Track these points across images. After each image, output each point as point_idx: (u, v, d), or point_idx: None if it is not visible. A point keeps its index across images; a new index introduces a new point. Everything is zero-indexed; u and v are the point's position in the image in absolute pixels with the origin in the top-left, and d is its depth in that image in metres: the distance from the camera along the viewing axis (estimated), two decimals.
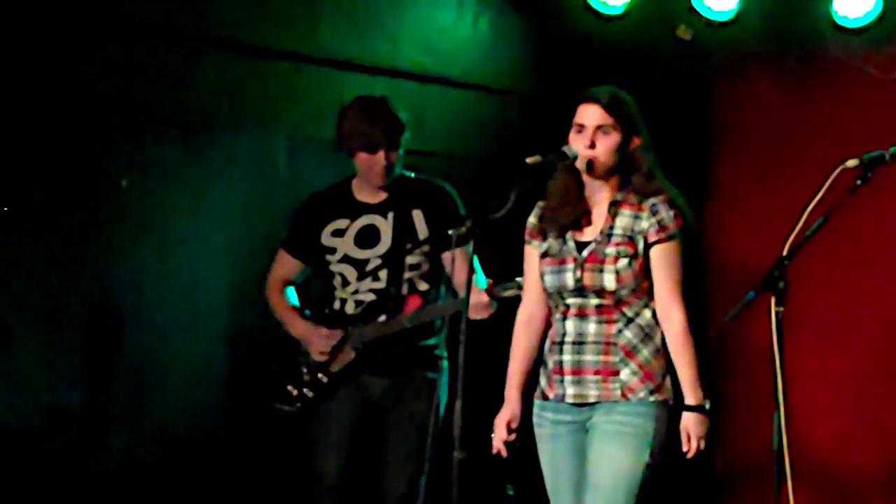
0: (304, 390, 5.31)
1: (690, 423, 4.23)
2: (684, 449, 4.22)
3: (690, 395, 4.23)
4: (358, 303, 5.31)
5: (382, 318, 5.25)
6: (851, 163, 4.04)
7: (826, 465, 6.52)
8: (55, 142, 5.66)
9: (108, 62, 5.79)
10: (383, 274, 5.29)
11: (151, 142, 5.96)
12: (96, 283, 5.82)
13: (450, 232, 4.28)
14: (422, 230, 5.31)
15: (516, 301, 4.61)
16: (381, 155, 5.21)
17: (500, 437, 4.41)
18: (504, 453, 4.41)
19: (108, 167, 5.83)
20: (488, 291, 5.04)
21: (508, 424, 4.41)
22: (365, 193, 5.34)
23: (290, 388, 5.33)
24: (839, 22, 6.48)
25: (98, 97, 5.76)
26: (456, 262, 4.91)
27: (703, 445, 4.22)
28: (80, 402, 5.77)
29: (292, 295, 5.44)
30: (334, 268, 5.33)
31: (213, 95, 6.11)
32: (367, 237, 5.31)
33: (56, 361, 5.71)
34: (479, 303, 5.03)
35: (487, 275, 5.17)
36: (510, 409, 4.42)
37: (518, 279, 4.80)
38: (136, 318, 5.90)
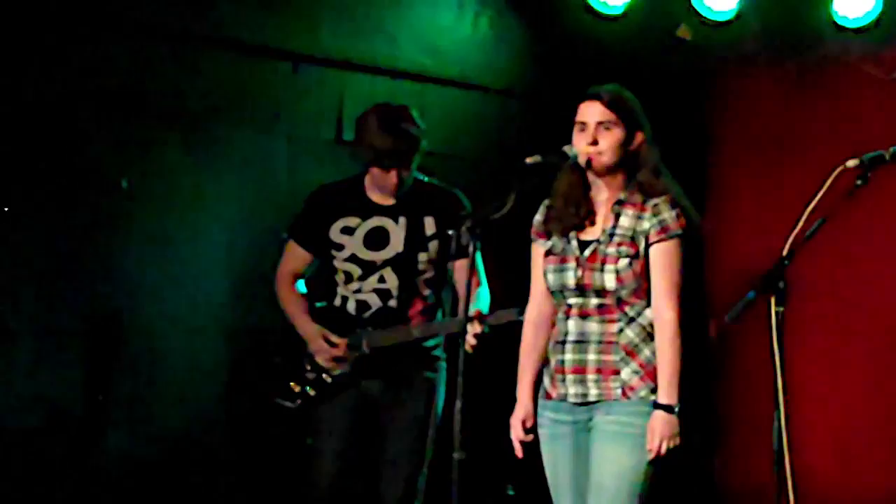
0: (307, 388, 5.31)
1: (657, 422, 4.19)
2: (648, 448, 4.19)
3: (664, 395, 4.19)
4: (360, 303, 5.31)
5: (393, 328, 5.25)
6: (851, 163, 4.03)
7: (828, 468, 6.51)
8: (55, 142, 5.66)
9: (108, 62, 5.79)
10: (389, 276, 5.29)
11: (151, 142, 5.96)
12: (96, 283, 5.82)
13: (450, 232, 4.28)
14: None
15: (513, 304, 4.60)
16: (393, 173, 5.21)
17: (517, 436, 4.39)
18: (520, 454, 4.40)
19: (108, 167, 5.83)
20: (480, 318, 5.01)
21: (524, 423, 4.40)
22: (377, 194, 5.33)
23: (292, 384, 5.33)
24: (839, 22, 6.48)
25: (98, 97, 5.76)
26: (460, 271, 4.90)
27: (664, 449, 4.17)
28: (80, 402, 5.77)
29: (301, 287, 5.42)
30: (339, 265, 5.33)
31: (213, 95, 6.11)
32: (377, 239, 5.31)
33: (56, 361, 5.71)
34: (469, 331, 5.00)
35: (496, 281, 5.19)
36: (523, 407, 4.41)
37: (515, 309, 4.78)
38: (136, 319, 5.90)
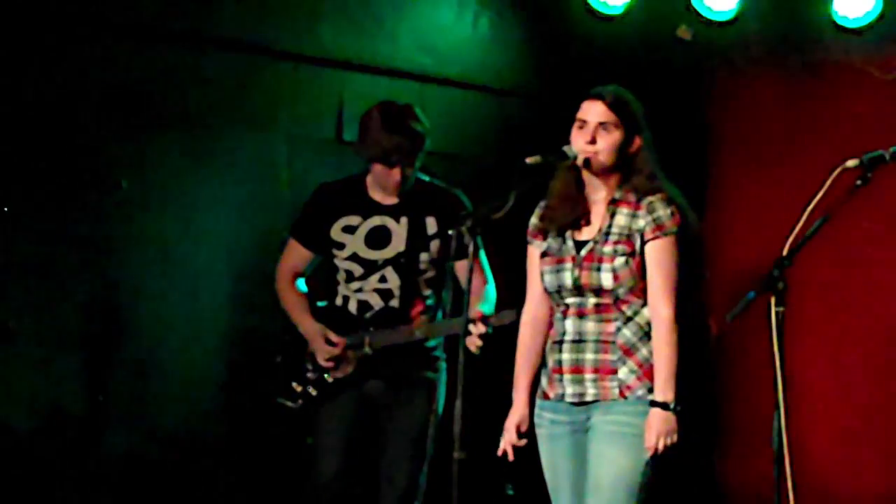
0: (309, 388, 5.31)
1: (654, 420, 4.19)
2: (646, 446, 4.19)
3: (660, 392, 4.19)
4: (361, 302, 5.31)
5: (395, 328, 5.25)
6: (851, 163, 4.03)
7: (827, 468, 6.51)
8: (55, 142, 5.66)
9: (108, 62, 5.79)
10: (390, 276, 5.30)
11: (151, 142, 5.96)
12: (96, 284, 5.82)
13: (450, 232, 4.28)
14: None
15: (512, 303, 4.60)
16: (396, 170, 5.22)
17: (509, 440, 4.39)
18: (511, 456, 4.40)
19: (108, 167, 5.83)
20: (482, 320, 5.01)
21: (518, 427, 4.40)
22: (379, 193, 5.34)
23: (294, 384, 5.34)
24: (839, 22, 6.48)
25: (98, 97, 5.76)
26: (462, 271, 4.89)
27: (661, 446, 4.17)
28: (80, 402, 5.77)
29: (302, 286, 5.42)
30: (340, 263, 5.34)
31: (213, 95, 6.11)
32: (378, 238, 5.31)
33: (56, 361, 5.71)
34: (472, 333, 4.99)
35: (495, 281, 5.20)
36: (519, 411, 4.41)
37: (515, 310, 4.79)
38: (135, 319, 5.91)
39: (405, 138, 5.18)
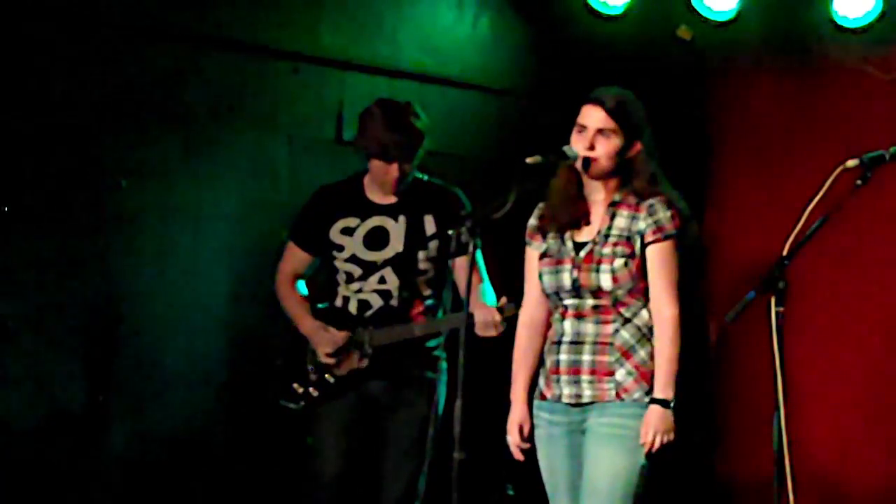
0: (310, 389, 5.32)
1: (652, 416, 4.19)
2: (641, 442, 4.19)
3: (660, 389, 4.20)
4: (361, 302, 5.31)
5: (394, 326, 5.26)
6: (851, 163, 4.04)
7: (827, 468, 6.51)
8: (55, 142, 5.66)
9: (108, 62, 5.79)
10: (389, 276, 5.29)
11: (151, 142, 5.95)
12: (96, 283, 5.82)
13: (449, 232, 4.28)
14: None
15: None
16: (395, 166, 5.22)
17: (514, 441, 4.40)
18: (521, 458, 4.40)
19: (108, 167, 5.83)
20: (500, 309, 5.04)
21: (521, 428, 4.40)
22: (376, 194, 5.34)
23: (295, 385, 5.34)
24: (839, 22, 6.48)
25: (98, 97, 5.76)
26: (461, 269, 4.90)
27: (658, 443, 4.17)
28: (80, 402, 5.77)
29: (302, 288, 5.43)
30: (340, 265, 5.34)
31: (213, 95, 6.11)
32: (377, 239, 5.31)
33: (56, 361, 5.71)
34: (489, 321, 5.03)
35: (494, 281, 5.20)
36: (519, 412, 4.42)
37: (512, 303, 4.80)
38: (135, 318, 5.90)
39: (404, 134, 5.19)
